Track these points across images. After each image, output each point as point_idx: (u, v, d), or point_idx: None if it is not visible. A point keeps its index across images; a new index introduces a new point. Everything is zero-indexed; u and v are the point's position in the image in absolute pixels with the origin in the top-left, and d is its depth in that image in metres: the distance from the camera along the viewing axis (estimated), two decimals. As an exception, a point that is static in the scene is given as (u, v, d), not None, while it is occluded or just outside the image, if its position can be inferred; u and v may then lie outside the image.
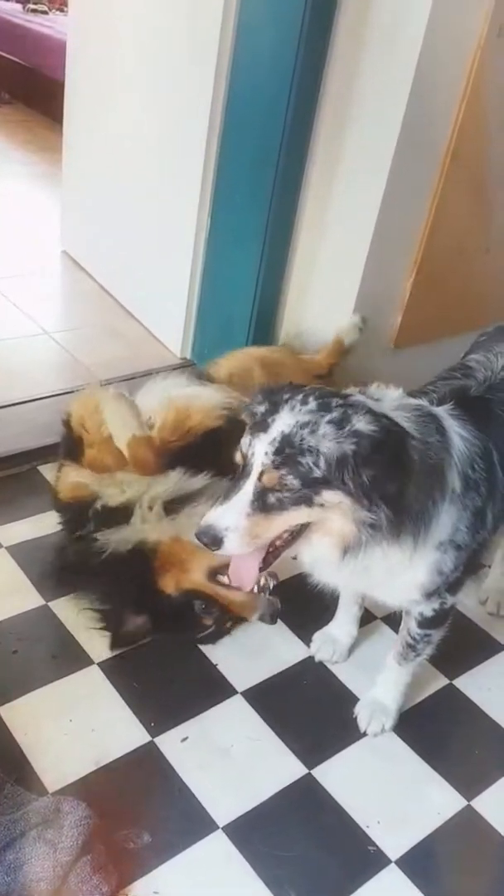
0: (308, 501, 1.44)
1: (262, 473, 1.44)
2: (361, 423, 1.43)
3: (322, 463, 1.41)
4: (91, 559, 2.06)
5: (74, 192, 3.88)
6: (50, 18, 6.60)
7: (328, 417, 1.43)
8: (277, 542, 1.54)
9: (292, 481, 1.42)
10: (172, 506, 2.10)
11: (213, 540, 1.48)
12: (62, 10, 6.63)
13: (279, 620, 2.19)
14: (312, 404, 1.45)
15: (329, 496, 1.43)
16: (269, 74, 2.69)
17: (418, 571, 1.64)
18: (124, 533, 2.06)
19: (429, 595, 1.72)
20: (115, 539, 2.06)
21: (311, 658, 2.12)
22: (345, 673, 2.10)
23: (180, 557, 2.02)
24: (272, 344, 3.04)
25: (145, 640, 2.04)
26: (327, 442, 1.41)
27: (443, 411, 1.63)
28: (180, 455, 2.16)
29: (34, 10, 6.75)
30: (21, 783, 1.68)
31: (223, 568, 1.96)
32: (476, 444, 1.62)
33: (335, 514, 1.46)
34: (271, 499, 1.45)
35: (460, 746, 1.98)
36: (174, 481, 2.13)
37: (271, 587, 1.99)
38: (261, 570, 1.58)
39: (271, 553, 1.56)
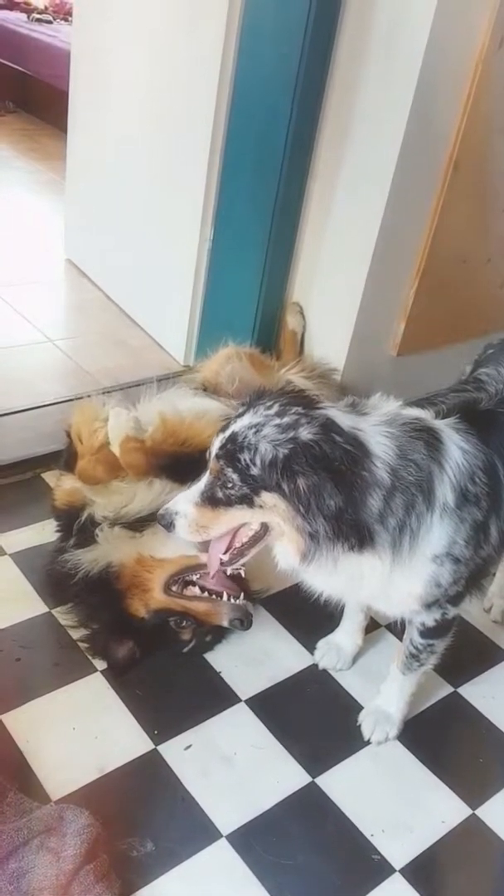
0: (249, 501, 1.50)
1: (210, 466, 1.52)
2: (304, 432, 1.46)
3: (258, 461, 1.46)
4: (68, 578, 2.08)
5: (78, 201, 3.90)
6: (54, 28, 6.64)
7: (276, 421, 1.48)
8: (243, 540, 1.60)
9: (231, 474, 1.49)
10: (141, 523, 2.11)
11: (167, 523, 1.58)
12: (66, 20, 6.67)
13: (283, 628, 2.20)
14: (273, 409, 1.51)
15: (267, 498, 1.48)
16: (271, 85, 2.70)
17: (414, 583, 1.64)
18: (94, 553, 2.08)
19: (428, 606, 1.72)
20: (87, 559, 2.07)
21: (315, 666, 2.12)
22: (349, 681, 2.09)
23: (142, 578, 2.03)
24: (274, 351, 3.07)
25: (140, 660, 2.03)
26: (265, 443, 1.46)
27: (444, 424, 1.63)
28: (174, 464, 2.16)
29: (39, 20, 6.78)
30: (24, 791, 1.68)
31: (177, 577, 2.01)
32: (479, 458, 1.62)
33: (278, 518, 1.50)
34: (219, 494, 1.52)
35: (465, 755, 1.97)
36: (156, 493, 2.14)
37: (243, 574, 2.01)
38: (223, 563, 1.65)
39: (237, 550, 1.62)
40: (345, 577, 1.59)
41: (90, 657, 2.03)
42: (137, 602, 2.02)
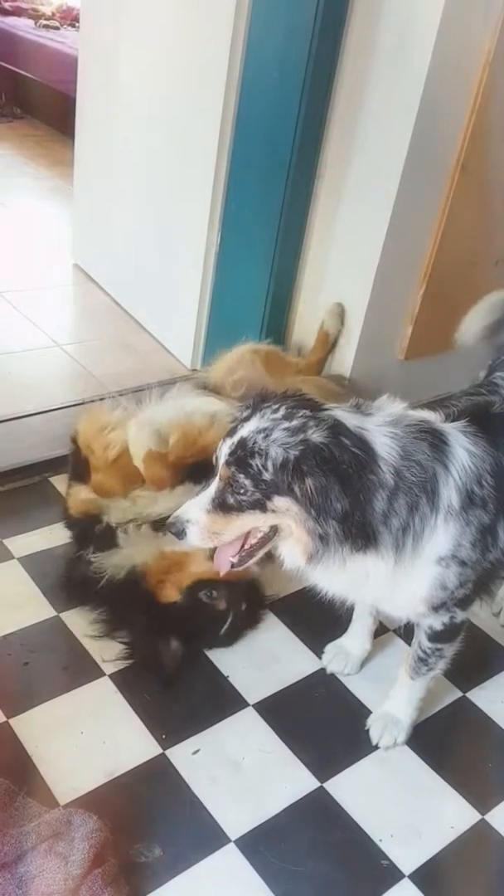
0: (262, 506, 1.50)
1: (220, 473, 1.52)
2: (314, 434, 1.46)
3: (270, 466, 1.46)
4: (93, 583, 2.07)
5: (86, 206, 3.92)
6: (61, 34, 6.67)
7: (285, 425, 1.48)
8: (253, 542, 1.60)
9: (243, 480, 1.48)
10: (163, 522, 2.10)
11: (177, 531, 1.58)
12: (73, 26, 6.70)
13: (291, 632, 2.20)
14: (280, 412, 1.50)
15: (280, 502, 1.48)
16: (278, 89, 2.71)
17: (419, 585, 1.64)
18: (117, 557, 2.07)
19: (436, 609, 1.71)
20: (111, 563, 2.07)
21: (323, 670, 2.11)
22: (357, 685, 2.09)
23: (174, 561, 2.02)
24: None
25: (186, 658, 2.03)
26: (276, 447, 1.46)
27: (451, 427, 1.63)
28: (193, 471, 2.16)
29: (46, 26, 6.82)
30: (32, 795, 1.68)
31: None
32: (486, 461, 1.61)
33: (290, 521, 1.50)
34: (230, 500, 1.52)
35: (474, 760, 1.96)
36: (177, 497, 2.13)
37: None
38: (234, 565, 1.65)
39: (246, 551, 1.62)
40: (350, 577, 1.59)
41: (98, 662, 2.03)
42: (170, 587, 2.01)
